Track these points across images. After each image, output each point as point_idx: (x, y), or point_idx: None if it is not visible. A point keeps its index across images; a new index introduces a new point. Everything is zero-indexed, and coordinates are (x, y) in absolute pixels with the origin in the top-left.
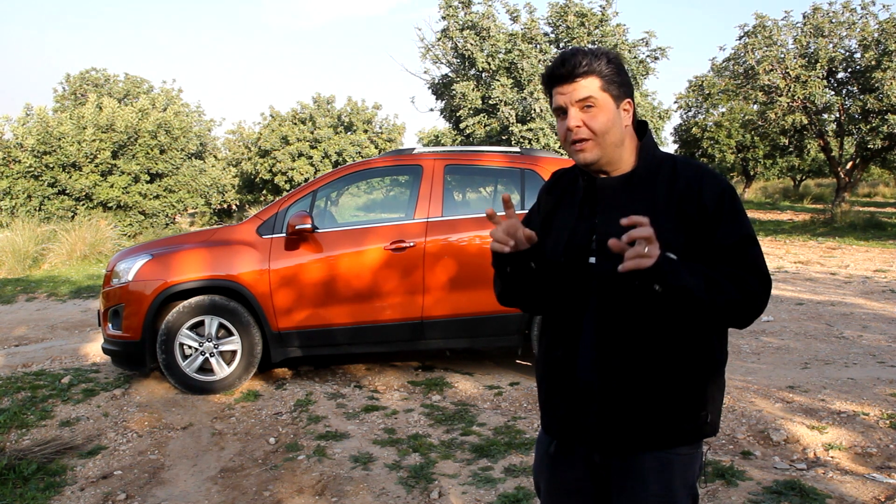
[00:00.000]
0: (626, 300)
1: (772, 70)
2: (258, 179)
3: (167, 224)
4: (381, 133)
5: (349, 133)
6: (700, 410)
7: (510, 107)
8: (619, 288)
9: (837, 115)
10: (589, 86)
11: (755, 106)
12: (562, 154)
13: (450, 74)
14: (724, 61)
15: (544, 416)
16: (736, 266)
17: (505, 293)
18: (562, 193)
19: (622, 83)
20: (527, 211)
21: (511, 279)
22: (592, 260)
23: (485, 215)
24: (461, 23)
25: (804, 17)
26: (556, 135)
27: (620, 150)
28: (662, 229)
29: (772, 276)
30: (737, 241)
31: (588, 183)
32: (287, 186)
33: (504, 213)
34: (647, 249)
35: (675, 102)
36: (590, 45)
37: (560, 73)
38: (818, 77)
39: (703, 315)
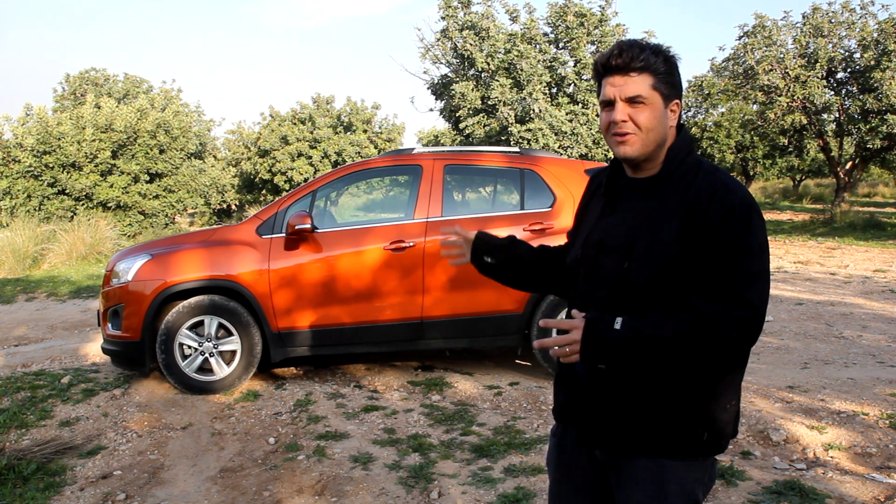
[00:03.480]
0: (619, 300)
1: (771, 70)
2: (258, 179)
3: (167, 224)
4: (381, 133)
5: (349, 133)
6: (696, 427)
7: (509, 107)
8: (614, 288)
9: (837, 115)
10: (641, 83)
11: (755, 106)
12: (561, 154)
13: (449, 74)
14: (723, 61)
15: (554, 402)
16: (723, 294)
17: (506, 283)
18: (595, 190)
19: (673, 84)
20: (526, 211)
21: (492, 274)
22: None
23: (485, 216)
24: (461, 23)
25: (804, 17)
26: (555, 135)
27: (661, 150)
28: (663, 239)
29: (772, 276)
30: (728, 267)
31: (611, 180)
32: (287, 186)
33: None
34: (568, 349)
35: None
36: (647, 41)
37: (616, 63)
38: (817, 77)
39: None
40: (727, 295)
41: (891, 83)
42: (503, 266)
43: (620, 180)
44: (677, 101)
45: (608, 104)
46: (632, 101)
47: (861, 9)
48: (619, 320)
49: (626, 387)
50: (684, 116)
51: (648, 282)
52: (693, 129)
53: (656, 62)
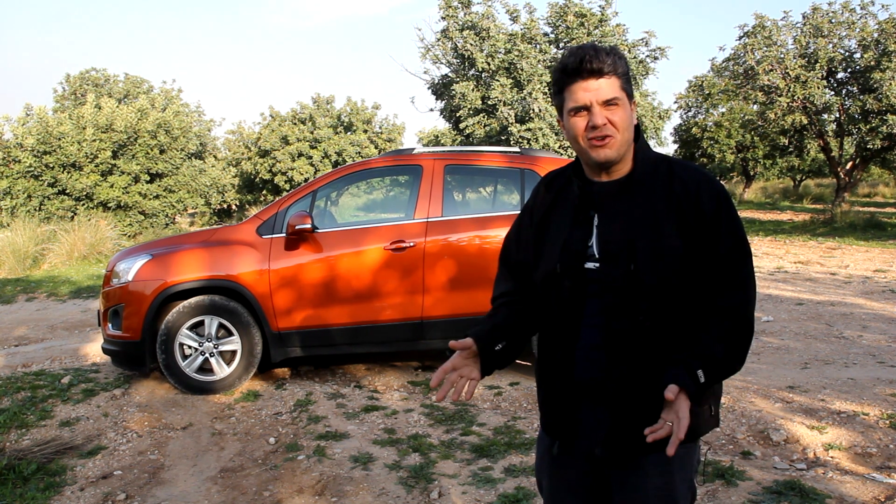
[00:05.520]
0: (629, 303)
1: (771, 70)
2: (258, 179)
3: (167, 224)
4: (381, 133)
5: (349, 133)
6: (703, 404)
7: (509, 107)
8: (622, 291)
9: (837, 116)
10: (613, 85)
11: (755, 106)
12: (561, 154)
13: (449, 74)
14: (723, 61)
15: (543, 417)
16: (726, 275)
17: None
18: (556, 197)
19: (631, 83)
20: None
21: (502, 359)
22: (588, 265)
23: (486, 216)
24: (461, 23)
25: (804, 17)
26: (555, 135)
27: (629, 149)
28: (665, 234)
29: (772, 276)
30: (730, 250)
31: (583, 187)
32: (287, 186)
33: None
34: (681, 433)
35: (675, 102)
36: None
37: (590, 68)
38: (818, 77)
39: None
40: (740, 281)
41: (891, 83)
42: (512, 343)
43: (594, 186)
44: (634, 100)
45: (583, 109)
46: (607, 103)
47: (861, 9)
48: (700, 374)
49: (646, 381)
50: (685, 116)
51: (658, 281)
52: (693, 129)
53: (621, 66)
